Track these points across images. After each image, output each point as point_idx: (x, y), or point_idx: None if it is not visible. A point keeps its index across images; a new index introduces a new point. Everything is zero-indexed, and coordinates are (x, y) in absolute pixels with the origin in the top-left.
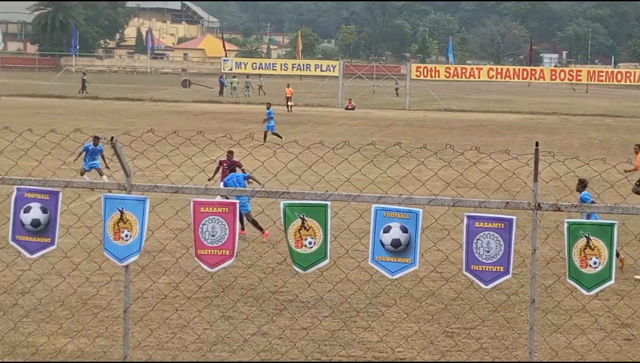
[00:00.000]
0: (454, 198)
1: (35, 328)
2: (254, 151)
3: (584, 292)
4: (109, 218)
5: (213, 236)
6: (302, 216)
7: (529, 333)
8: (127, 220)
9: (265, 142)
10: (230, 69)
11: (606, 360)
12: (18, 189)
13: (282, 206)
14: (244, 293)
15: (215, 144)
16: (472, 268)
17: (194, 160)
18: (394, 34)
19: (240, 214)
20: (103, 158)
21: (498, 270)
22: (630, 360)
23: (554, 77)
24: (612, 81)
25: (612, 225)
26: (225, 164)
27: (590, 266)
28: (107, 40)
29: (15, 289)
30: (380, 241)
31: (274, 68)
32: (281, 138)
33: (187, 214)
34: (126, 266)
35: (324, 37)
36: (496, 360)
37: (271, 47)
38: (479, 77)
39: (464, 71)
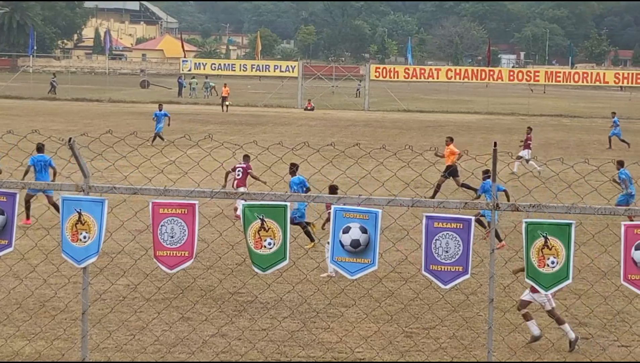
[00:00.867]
0: (413, 199)
1: None
2: (213, 152)
3: (542, 292)
4: (67, 219)
5: (172, 237)
6: (261, 217)
7: (488, 332)
8: (85, 222)
9: (152, 143)
10: (189, 70)
11: (563, 359)
12: None
13: (241, 206)
14: (203, 294)
15: (174, 145)
16: (431, 268)
17: (153, 161)
18: (353, 35)
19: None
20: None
21: (457, 269)
22: (587, 358)
23: (512, 77)
24: (570, 82)
25: (569, 225)
26: (239, 169)
27: (548, 265)
28: (65, 41)
29: None
30: (340, 241)
31: (233, 69)
32: (163, 139)
33: (146, 216)
34: (84, 268)
35: (283, 38)
36: (455, 360)
37: (230, 47)
38: (437, 78)
39: (422, 71)
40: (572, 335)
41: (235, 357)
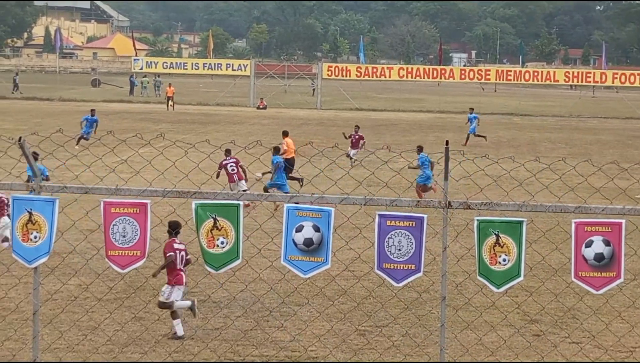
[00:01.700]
0: (366, 197)
1: None
2: (165, 151)
3: (494, 289)
4: (17, 219)
5: (124, 236)
6: (214, 216)
7: (440, 330)
8: (36, 221)
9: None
10: (141, 69)
11: (515, 356)
12: None
13: (194, 206)
14: (156, 294)
15: (125, 144)
16: (383, 266)
17: (104, 160)
18: (305, 34)
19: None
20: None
21: (409, 268)
22: (539, 355)
23: (463, 76)
24: (520, 80)
25: (520, 223)
26: (232, 164)
27: (499, 263)
28: (15, 40)
29: None
30: (293, 240)
31: (185, 67)
32: (87, 139)
33: (97, 215)
34: (35, 268)
35: (235, 37)
36: (408, 358)
37: (182, 46)
38: (389, 77)
39: (374, 70)
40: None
41: (188, 357)
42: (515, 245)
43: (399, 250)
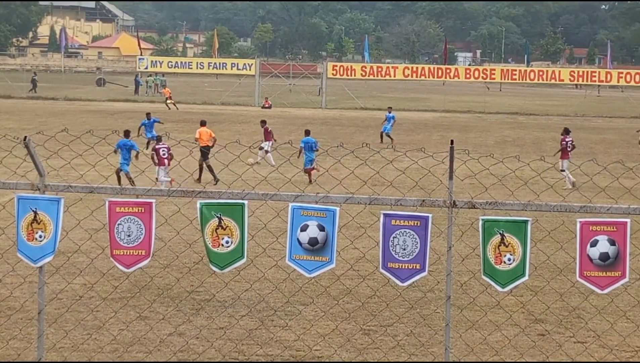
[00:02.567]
0: (371, 196)
1: None
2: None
3: (499, 289)
4: (22, 218)
5: (129, 236)
6: (219, 216)
7: (445, 329)
8: (41, 221)
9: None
10: (146, 68)
11: (520, 356)
12: None
13: (198, 205)
14: (161, 293)
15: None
16: (388, 265)
17: (109, 160)
18: (310, 33)
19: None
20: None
21: (414, 267)
22: (544, 355)
23: (468, 75)
24: (525, 80)
25: (526, 222)
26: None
27: (504, 262)
28: (20, 39)
29: None
30: (298, 239)
31: (190, 67)
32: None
33: (102, 214)
34: (40, 268)
35: (240, 36)
36: (412, 357)
37: (187, 45)
38: (394, 76)
39: (379, 69)
40: None
41: (192, 356)
42: (520, 245)
43: (404, 249)
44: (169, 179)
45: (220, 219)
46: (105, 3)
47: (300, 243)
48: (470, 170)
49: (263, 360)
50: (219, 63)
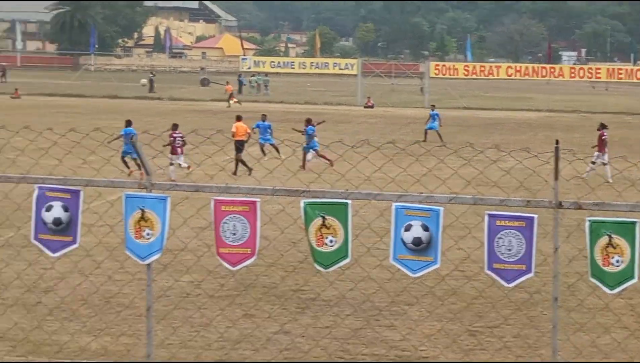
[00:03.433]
0: (475, 196)
1: (59, 326)
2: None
3: (607, 291)
4: (130, 216)
5: (234, 234)
6: (322, 215)
7: (552, 331)
8: (149, 219)
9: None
10: (249, 68)
11: (630, 359)
12: (39, 188)
13: (302, 204)
14: (266, 291)
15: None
16: (493, 266)
17: (214, 159)
18: (411, 32)
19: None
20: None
21: (520, 268)
22: None
23: (573, 75)
24: (632, 79)
25: (634, 223)
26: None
27: (612, 264)
28: (126, 40)
29: (39, 287)
30: (402, 239)
31: (292, 66)
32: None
33: (208, 213)
34: (148, 265)
35: (342, 36)
36: (520, 359)
37: (289, 45)
38: (497, 75)
39: (482, 69)
40: None
41: (298, 354)
42: (628, 246)
43: (509, 250)
44: (187, 165)
45: (324, 218)
46: (207, 3)
47: (404, 243)
48: (576, 170)
49: (369, 360)
50: (321, 63)
